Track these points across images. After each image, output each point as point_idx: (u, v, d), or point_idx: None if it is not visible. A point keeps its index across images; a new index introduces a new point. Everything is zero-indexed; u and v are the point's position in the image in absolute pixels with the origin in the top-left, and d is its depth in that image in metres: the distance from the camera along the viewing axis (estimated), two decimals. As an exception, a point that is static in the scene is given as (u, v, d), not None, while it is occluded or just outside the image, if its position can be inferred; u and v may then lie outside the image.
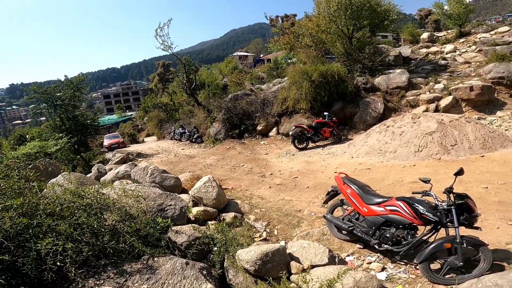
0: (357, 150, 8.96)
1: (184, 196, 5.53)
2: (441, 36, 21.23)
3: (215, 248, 3.50)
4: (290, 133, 10.43)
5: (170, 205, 4.35)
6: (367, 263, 3.75)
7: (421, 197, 3.40)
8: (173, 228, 3.61)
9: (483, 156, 7.67)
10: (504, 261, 3.81)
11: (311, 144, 10.39)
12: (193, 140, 15.79)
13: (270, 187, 7.34)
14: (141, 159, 13.65)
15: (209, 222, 4.81)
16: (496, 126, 9.02)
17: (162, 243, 3.34)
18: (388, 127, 9.19)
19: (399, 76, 12.16)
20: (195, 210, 4.96)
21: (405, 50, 16.54)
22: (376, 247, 3.65)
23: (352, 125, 11.42)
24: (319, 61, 13.69)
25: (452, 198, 3.19)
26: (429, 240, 3.45)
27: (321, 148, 10.01)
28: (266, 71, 22.97)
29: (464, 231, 3.30)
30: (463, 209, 3.15)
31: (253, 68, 35.55)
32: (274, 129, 12.90)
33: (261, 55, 53.39)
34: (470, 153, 7.86)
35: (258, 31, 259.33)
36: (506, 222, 5.00)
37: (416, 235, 3.44)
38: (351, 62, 13.64)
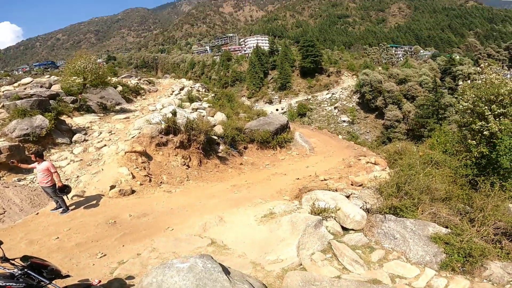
0: None
1: None
2: (-45, 88, 17.50)
3: None
4: None
5: None
6: None
7: None
8: None
9: (37, 213, 7.84)
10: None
11: None
12: None
13: None
14: None
15: None
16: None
17: None
18: None
19: None
20: None
21: None
22: None
23: None
24: None
25: (18, 263, 3.30)
26: None
27: None
28: None
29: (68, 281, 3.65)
30: (38, 268, 3.32)
31: None
32: None
33: None
34: (25, 215, 7.79)
35: None
36: (95, 257, 5.49)
37: None
38: None
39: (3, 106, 13.83)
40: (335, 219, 6.29)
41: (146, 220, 7.23)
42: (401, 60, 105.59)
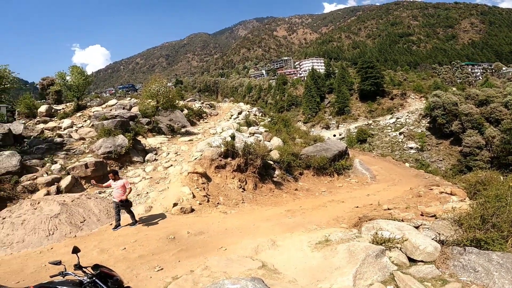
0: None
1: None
2: (60, 110, 20.78)
3: None
4: None
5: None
6: None
7: (63, 278, 3.48)
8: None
9: (111, 224, 8.58)
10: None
11: None
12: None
13: None
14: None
15: None
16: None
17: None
18: (4, 218, 8.09)
19: (8, 160, 10.59)
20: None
21: (17, 126, 14.62)
22: None
23: None
24: None
25: (89, 271, 3.49)
26: None
27: None
28: None
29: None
30: (105, 277, 3.51)
31: None
32: None
33: None
34: (101, 224, 8.69)
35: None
36: (153, 270, 5.83)
37: None
38: None
39: (92, 125, 16.28)
40: (400, 249, 5.69)
41: (202, 238, 7.51)
42: (479, 79, 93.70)
